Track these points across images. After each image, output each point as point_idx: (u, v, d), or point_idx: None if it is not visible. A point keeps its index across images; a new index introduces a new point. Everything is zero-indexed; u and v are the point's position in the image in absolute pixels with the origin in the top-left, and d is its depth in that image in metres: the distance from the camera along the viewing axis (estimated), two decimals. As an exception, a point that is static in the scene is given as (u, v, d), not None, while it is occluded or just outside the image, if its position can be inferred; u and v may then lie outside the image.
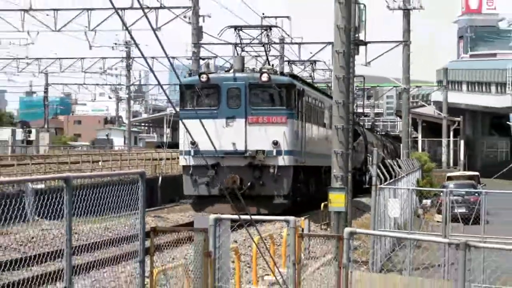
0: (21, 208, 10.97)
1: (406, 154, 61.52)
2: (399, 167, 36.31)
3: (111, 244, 23.81)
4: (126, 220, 20.69)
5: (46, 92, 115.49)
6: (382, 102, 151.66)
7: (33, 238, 27.53)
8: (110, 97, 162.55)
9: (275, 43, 62.26)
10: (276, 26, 44.76)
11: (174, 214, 43.31)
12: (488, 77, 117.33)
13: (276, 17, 62.33)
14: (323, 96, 49.09)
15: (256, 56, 43.65)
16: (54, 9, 58.64)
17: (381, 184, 28.21)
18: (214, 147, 30.98)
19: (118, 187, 12.87)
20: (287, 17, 64.71)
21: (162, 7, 52.85)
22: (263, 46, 41.78)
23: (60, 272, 10.77)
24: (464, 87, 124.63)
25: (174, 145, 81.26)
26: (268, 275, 20.98)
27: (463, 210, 36.59)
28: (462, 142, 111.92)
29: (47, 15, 58.39)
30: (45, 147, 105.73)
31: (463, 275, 10.11)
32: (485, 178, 71.91)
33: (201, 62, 52.70)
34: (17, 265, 21.97)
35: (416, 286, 17.77)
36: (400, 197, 31.03)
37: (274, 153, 36.12)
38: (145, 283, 12.49)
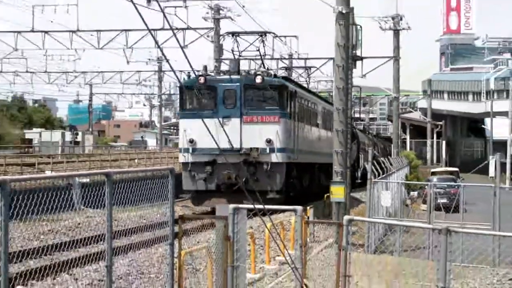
0: (70, 199, 10.98)
1: (396, 153, 61.26)
2: (391, 164, 36.24)
3: (145, 230, 23.86)
4: (158, 209, 20.72)
5: (90, 100, 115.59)
6: (375, 108, 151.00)
7: (79, 224, 27.57)
8: (144, 105, 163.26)
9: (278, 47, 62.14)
10: (270, 32, 41.14)
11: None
12: (465, 87, 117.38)
13: (285, 36, 62.48)
14: (317, 99, 47.59)
15: (253, 58, 40.46)
16: (97, 30, 58.81)
17: (375, 178, 28.20)
18: (217, 144, 30.24)
19: (151, 181, 12.88)
20: (295, 36, 64.85)
21: (188, 28, 52.94)
22: (258, 50, 38.40)
23: (102, 253, 10.78)
24: (446, 95, 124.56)
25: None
26: (278, 256, 20.95)
27: (444, 200, 36.53)
28: (444, 142, 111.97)
29: (91, 35, 58.54)
30: (90, 147, 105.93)
31: (444, 256, 10.09)
32: (464, 173, 71.61)
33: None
34: (66, 247, 22.03)
35: (405, 265, 17.73)
36: (391, 189, 30.95)
37: (268, 151, 34.15)
38: (174, 262, 12.49)
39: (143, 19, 10.07)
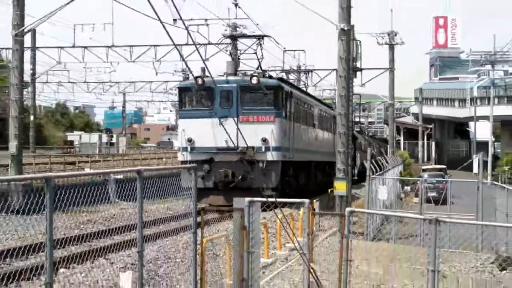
0: (106, 193, 10.98)
1: (391, 152, 61.18)
2: (387, 162, 36.13)
3: (171, 220, 23.86)
4: (182, 202, 20.74)
5: (124, 107, 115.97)
6: (373, 113, 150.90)
7: (114, 215, 27.62)
8: (171, 110, 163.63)
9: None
10: (268, 36, 37.55)
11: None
12: (452, 95, 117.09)
13: (294, 50, 62.40)
14: (313, 101, 44.64)
15: (255, 57, 37.06)
16: (130, 46, 58.86)
17: (373, 175, 28.16)
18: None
19: (177, 178, 12.88)
20: (303, 50, 64.77)
21: (209, 43, 52.84)
22: (255, 52, 36.35)
23: (134, 240, 10.77)
24: (435, 102, 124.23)
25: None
26: (288, 243, 20.93)
27: (434, 194, 36.36)
28: (433, 143, 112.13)
29: (125, 50, 58.55)
30: (123, 147, 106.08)
31: (434, 242, 10.05)
32: (451, 170, 71.57)
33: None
34: (103, 235, 22.07)
35: (400, 251, 17.65)
36: (387, 184, 30.88)
37: (263, 149, 31.70)
38: (197, 249, 12.48)
39: (169, 36, 10.05)
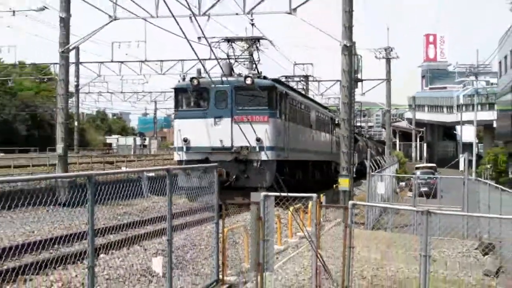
0: (139, 189, 11.01)
1: (388, 152, 60.98)
2: (384, 161, 36.03)
3: (197, 212, 23.85)
4: (208, 196, 20.71)
5: (155, 113, 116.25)
6: (373, 118, 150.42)
7: (147, 207, 27.63)
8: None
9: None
10: (264, 38, 33.37)
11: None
12: (441, 102, 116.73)
13: (303, 64, 62.31)
14: (311, 103, 41.18)
15: (246, 61, 33.73)
16: (160, 60, 59.07)
17: (372, 172, 28.10)
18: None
19: (201, 175, 12.87)
20: (311, 63, 64.62)
21: (229, 57, 52.78)
22: (251, 55, 32.83)
23: (164, 229, 10.79)
24: (426, 108, 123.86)
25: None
26: (298, 232, 20.89)
27: (426, 189, 36.12)
28: (425, 144, 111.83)
29: (156, 64, 58.67)
30: (154, 149, 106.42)
31: (426, 231, 10.01)
32: (440, 168, 71.28)
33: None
34: (137, 225, 22.09)
35: (396, 239, 17.62)
36: (385, 180, 30.81)
37: (257, 149, 28.48)
38: (219, 237, 12.47)
39: (194, 51, 10.07)
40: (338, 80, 55.01)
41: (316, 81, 64.89)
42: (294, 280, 14.15)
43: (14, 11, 38.36)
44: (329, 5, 34.77)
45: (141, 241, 17.63)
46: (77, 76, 65.63)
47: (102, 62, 60.68)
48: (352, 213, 11.03)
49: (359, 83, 50.18)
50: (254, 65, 33.19)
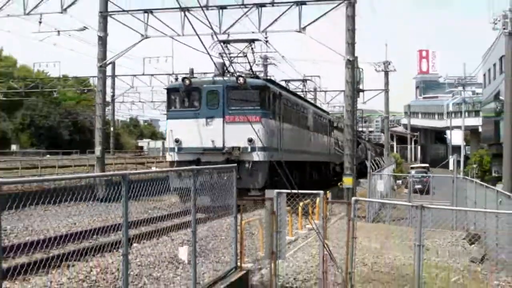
0: (168, 186, 11.01)
1: (387, 154, 60.82)
2: (383, 161, 35.89)
3: (218, 209, 23.71)
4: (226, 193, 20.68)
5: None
6: (373, 124, 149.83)
7: (174, 203, 27.64)
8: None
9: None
10: (258, 40, 29.42)
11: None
12: (433, 109, 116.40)
13: (311, 76, 62.21)
14: (308, 104, 37.09)
15: (244, 62, 29.24)
16: (186, 73, 59.01)
17: (373, 171, 28.01)
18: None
19: (221, 175, 12.86)
20: (318, 76, 64.56)
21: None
22: (246, 56, 28.64)
23: (189, 222, 10.78)
24: (420, 115, 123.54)
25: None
26: (308, 224, 20.84)
27: (420, 186, 35.95)
28: (419, 147, 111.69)
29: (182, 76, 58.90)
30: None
31: (420, 223, 9.96)
32: (432, 168, 70.95)
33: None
34: (165, 218, 22.09)
35: (393, 230, 17.53)
36: (384, 179, 30.72)
37: (249, 150, 25.18)
38: (237, 229, 12.45)
39: (215, 65, 10.07)
40: (342, 90, 54.89)
41: (323, 91, 64.85)
42: (303, 267, 14.13)
43: (59, 31, 38.47)
44: (335, 24, 34.65)
45: (169, 232, 17.63)
46: (113, 87, 65.78)
47: (134, 75, 60.93)
48: (354, 208, 10.99)
49: (361, 93, 50.00)
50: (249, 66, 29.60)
